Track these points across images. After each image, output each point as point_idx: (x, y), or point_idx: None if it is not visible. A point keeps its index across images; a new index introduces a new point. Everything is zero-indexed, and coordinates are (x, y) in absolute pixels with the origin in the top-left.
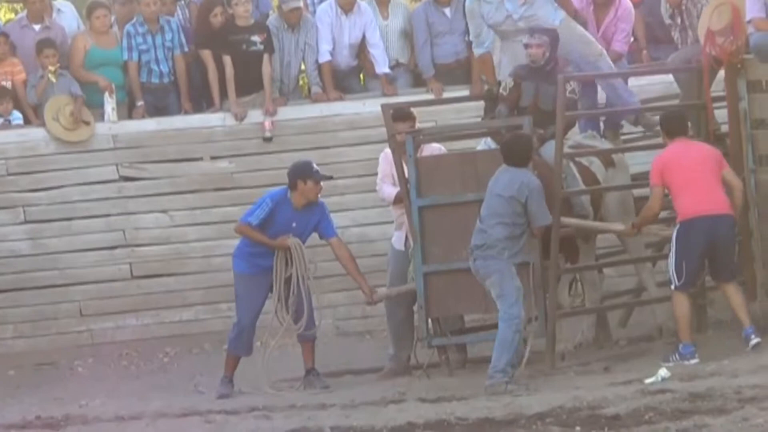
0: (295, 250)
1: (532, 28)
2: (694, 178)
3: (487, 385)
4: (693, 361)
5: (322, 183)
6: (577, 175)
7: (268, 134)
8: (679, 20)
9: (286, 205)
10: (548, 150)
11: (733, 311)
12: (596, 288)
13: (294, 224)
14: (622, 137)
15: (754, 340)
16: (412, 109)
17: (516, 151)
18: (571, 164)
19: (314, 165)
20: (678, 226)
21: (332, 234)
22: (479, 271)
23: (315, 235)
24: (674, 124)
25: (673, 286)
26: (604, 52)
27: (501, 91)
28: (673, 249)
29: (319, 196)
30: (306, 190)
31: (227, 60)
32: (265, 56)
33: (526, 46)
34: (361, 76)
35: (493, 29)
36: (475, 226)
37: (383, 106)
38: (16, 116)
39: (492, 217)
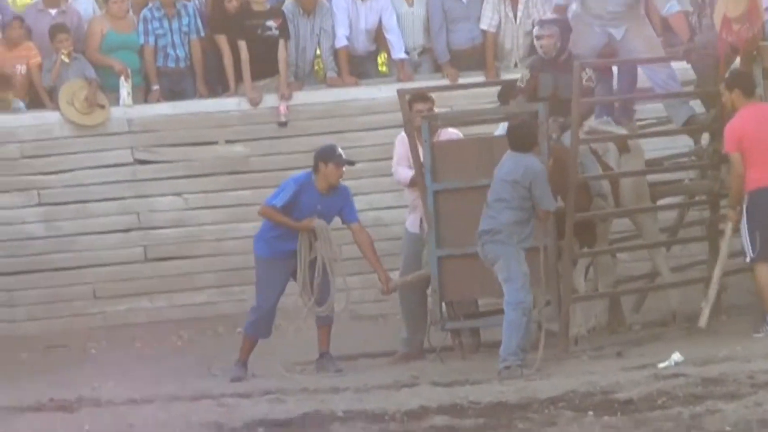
0: (321, 231)
1: (541, 20)
2: (766, 147)
3: (500, 368)
4: None
5: (344, 168)
6: (595, 159)
7: (283, 119)
8: (697, 7)
9: (310, 188)
10: (569, 137)
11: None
12: (610, 272)
13: (318, 207)
14: (637, 123)
15: None
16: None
17: (520, 137)
18: (588, 149)
19: (338, 149)
20: (748, 196)
21: (354, 219)
22: (487, 255)
23: (335, 219)
24: (747, 83)
25: (748, 259)
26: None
27: (518, 83)
28: (745, 220)
29: (341, 180)
30: (327, 173)
31: (242, 45)
32: (281, 42)
33: (537, 37)
34: (380, 59)
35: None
36: (483, 211)
37: (399, 91)
38: (18, 105)
39: (499, 203)
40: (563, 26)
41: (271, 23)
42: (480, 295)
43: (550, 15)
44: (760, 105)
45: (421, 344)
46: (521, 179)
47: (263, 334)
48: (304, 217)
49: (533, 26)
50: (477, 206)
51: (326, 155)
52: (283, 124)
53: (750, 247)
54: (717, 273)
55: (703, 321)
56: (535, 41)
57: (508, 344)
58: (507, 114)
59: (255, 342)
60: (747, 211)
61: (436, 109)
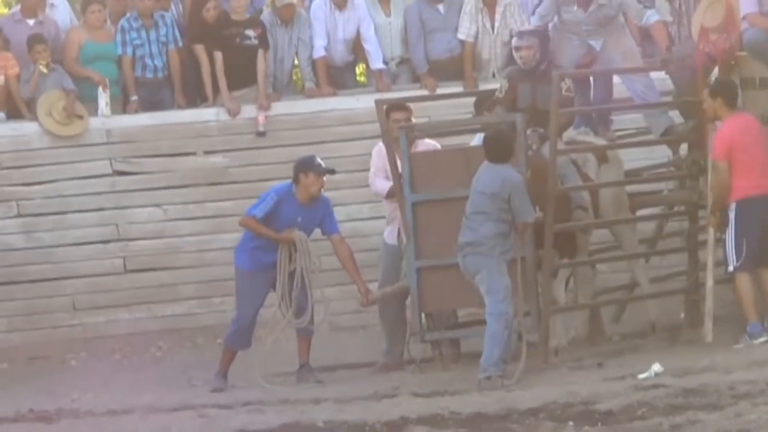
0: (300, 243)
1: (520, 31)
2: (754, 155)
3: (480, 378)
4: (762, 339)
5: (324, 177)
6: (575, 170)
7: (261, 129)
8: (677, 17)
9: (291, 199)
10: (548, 148)
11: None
12: (590, 284)
13: (299, 219)
14: (616, 133)
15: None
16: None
17: (496, 148)
18: (569, 160)
19: (317, 159)
20: (736, 205)
21: (335, 231)
22: (469, 267)
23: (316, 230)
24: (731, 93)
25: (731, 268)
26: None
27: (497, 94)
28: (733, 227)
29: (321, 190)
30: (308, 183)
31: (218, 55)
32: (260, 52)
33: (516, 48)
34: (359, 69)
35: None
36: (462, 223)
37: (377, 102)
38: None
39: (478, 215)
40: (542, 37)
41: (250, 32)
42: (459, 306)
43: (528, 26)
44: (746, 116)
45: (401, 355)
46: (500, 191)
47: (243, 346)
48: (284, 228)
49: (511, 36)
50: (455, 217)
51: (306, 165)
52: (261, 134)
53: (734, 256)
54: (709, 283)
55: (708, 335)
56: (514, 52)
57: (490, 355)
58: (484, 124)
59: (234, 353)
60: (735, 220)
61: (414, 120)
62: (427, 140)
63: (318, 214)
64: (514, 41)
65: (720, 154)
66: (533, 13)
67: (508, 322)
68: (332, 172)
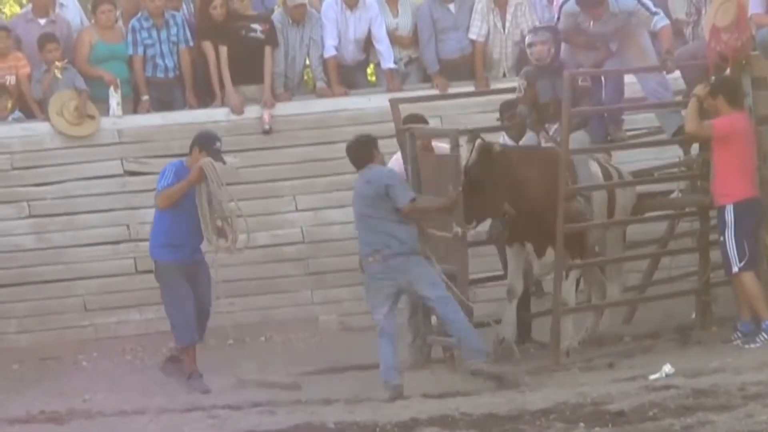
0: (208, 170)
1: (534, 27)
2: (750, 155)
3: (469, 365)
4: None
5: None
6: (596, 171)
7: (267, 127)
8: (693, 17)
9: (185, 171)
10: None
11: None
12: (601, 284)
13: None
14: (628, 133)
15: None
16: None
17: (354, 155)
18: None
19: (218, 143)
20: (733, 207)
21: None
22: (392, 271)
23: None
24: (733, 91)
25: (735, 269)
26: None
27: (516, 93)
28: (732, 229)
29: None
30: (198, 158)
31: (222, 50)
32: (267, 49)
33: (530, 45)
34: (370, 69)
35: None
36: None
37: (391, 101)
38: (16, 115)
39: (382, 220)
40: (555, 32)
41: (256, 26)
42: None
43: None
44: (747, 115)
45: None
46: (381, 190)
47: (194, 337)
48: (189, 199)
49: (522, 36)
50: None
51: (205, 144)
52: (267, 132)
53: (737, 257)
54: None
55: None
56: (527, 49)
57: (469, 343)
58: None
59: (194, 349)
60: (733, 222)
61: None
62: (439, 144)
63: None
64: (528, 38)
65: (720, 128)
66: (558, 16)
67: (455, 305)
68: (224, 163)
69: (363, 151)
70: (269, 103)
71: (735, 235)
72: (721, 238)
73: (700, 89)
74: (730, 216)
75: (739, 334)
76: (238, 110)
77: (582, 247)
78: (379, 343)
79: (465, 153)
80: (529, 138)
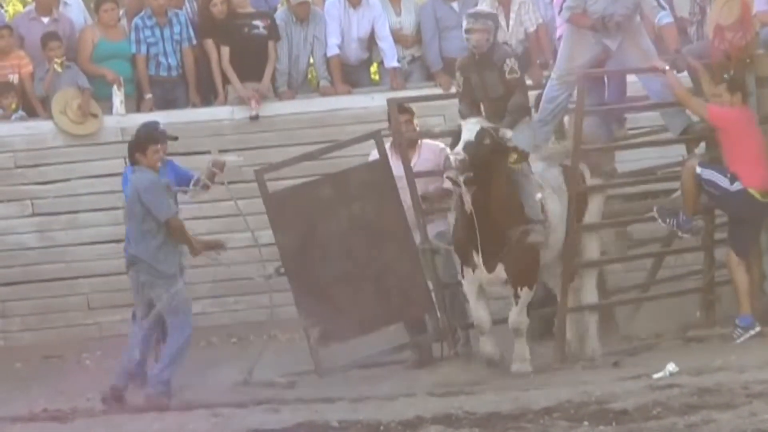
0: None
1: (474, 11)
2: (758, 148)
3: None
4: (753, 332)
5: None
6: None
7: (254, 113)
8: (697, 16)
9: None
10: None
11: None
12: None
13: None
14: (630, 132)
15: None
16: (413, 105)
17: (130, 147)
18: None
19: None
20: (744, 191)
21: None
22: (143, 284)
23: None
24: (747, 91)
25: (707, 188)
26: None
27: (455, 89)
28: (732, 200)
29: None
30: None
31: (225, 49)
32: (270, 43)
33: (468, 31)
34: (374, 67)
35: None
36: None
37: (389, 101)
38: (19, 114)
39: (138, 230)
40: (496, 21)
41: (258, 23)
42: None
43: (485, 7)
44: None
45: (430, 348)
46: (135, 197)
47: None
48: None
49: (526, 34)
50: None
51: (153, 137)
52: (254, 118)
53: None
54: None
55: None
56: (464, 34)
57: (163, 372)
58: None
59: None
60: (732, 198)
61: (429, 118)
62: (430, 141)
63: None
64: (467, 23)
65: (715, 116)
66: (560, 9)
67: (189, 339)
68: (175, 139)
69: (134, 146)
70: (259, 93)
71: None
72: (721, 186)
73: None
74: (736, 190)
75: (740, 331)
76: (254, 100)
77: (534, 270)
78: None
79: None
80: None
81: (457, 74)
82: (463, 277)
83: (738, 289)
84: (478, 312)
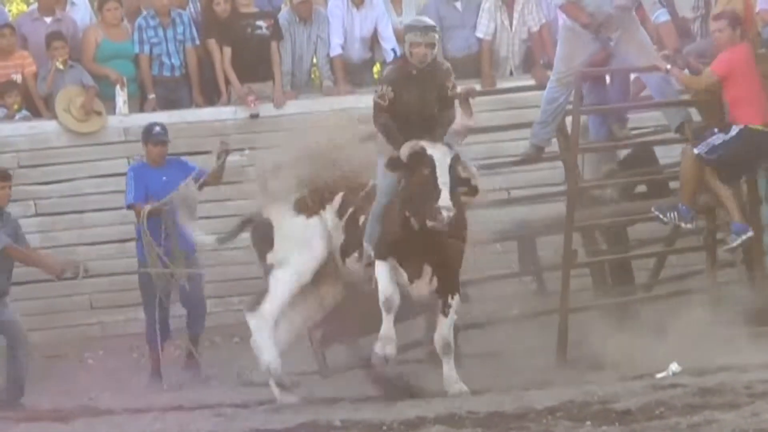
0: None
1: (423, 24)
2: (759, 84)
3: None
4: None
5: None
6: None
7: (254, 111)
8: (702, 10)
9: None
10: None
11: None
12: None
13: (164, 178)
14: (633, 131)
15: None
16: None
17: None
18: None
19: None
20: (743, 129)
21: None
22: None
23: None
24: (742, 27)
25: (698, 150)
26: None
27: (378, 100)
28: (730, 139)
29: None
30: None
31: (227, 50)
32: (273, 44)
33: (414, 44)
34: (377, 67)
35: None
36: None
37: None
38: (23, 114)
39: None
40: (439, 33)
41: (261, 23)
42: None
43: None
44: (748, 46)
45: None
46: None
47: None
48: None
49: (529, 34)
50: None
51: (146, 136)
52: (254, 116)
53: (709, 147)
54: None
55: None
56: (408, 47)
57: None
58: None
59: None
60: (736, 137)
61: None
62: None
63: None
64: (413, 35)
65: (720, 67)
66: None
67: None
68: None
69: None
70: (280, 102)
71: (727, 144)
72: (716, 129)
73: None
74: (736, 131)
75: (734, 236)
76: (252, 103)
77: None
78: None
79: None
80: None
81: (386, 87)
82: (380, 258)
83: (726, 203)
84: (390, 288)
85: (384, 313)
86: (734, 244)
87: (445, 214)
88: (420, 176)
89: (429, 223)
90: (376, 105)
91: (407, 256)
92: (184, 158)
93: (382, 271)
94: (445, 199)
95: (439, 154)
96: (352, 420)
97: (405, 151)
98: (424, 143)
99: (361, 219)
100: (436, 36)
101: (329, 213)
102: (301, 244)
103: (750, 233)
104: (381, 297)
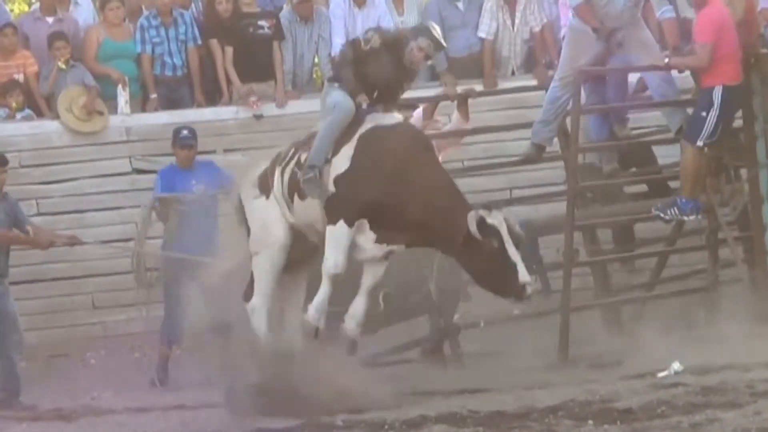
0: None
1: (418, 29)
2: (735, 40)
3: None
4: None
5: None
6: None
7: (257, 112)
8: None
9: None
10: None
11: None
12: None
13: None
14: (635, 131)
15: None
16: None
17: None
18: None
19: (183, 131)
20: (722, 88)
21: None
22: None
23: None
24: None
25: (700, 143)
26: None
27: (360, 45)
28: (717, 111)
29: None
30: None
31: (228, 50)
32: (275, 44)
33: (419, 49)
34: None
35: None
36: None
37: None
38: (25, 113)
39: None
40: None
41: (263, 23)
42: None
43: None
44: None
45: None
46: None
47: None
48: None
49: (531, 33)
50: None
51: (174, 138)
52: (259, 117)
53: (707, 132)
54: None
55: None
56: (412, 51)
57: None
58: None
59: None
60: (721, 104)
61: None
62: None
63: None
64: (425, 43)
65: (708, 34)
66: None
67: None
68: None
69: None
70: (282, 101)
71: (718, 117)
72: (703, 114)
73: None
74: (717, 96)
75: (675, 210)
76: (250, 104)
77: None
78: None
79: None
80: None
81: (374, 34)
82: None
83: (687, 174)
84: (342, 257)
85: (325, 279)
86: (666, 217)
87: (529, 290)
88: (488, 247)
89: (515, 302)
90: (351, 49)
91: (383, 222)
92: (213, 161)
93: (341, 235)
94: (524, 275)
95: (497, 221)
96: (354, 419)
97: (472, 225)
98: (482, 212)
99: (303, 156)
100: (431, 43)
101: (276, 184)
102: (264, 226)
103: (692, 217)
104: (329, 262)
